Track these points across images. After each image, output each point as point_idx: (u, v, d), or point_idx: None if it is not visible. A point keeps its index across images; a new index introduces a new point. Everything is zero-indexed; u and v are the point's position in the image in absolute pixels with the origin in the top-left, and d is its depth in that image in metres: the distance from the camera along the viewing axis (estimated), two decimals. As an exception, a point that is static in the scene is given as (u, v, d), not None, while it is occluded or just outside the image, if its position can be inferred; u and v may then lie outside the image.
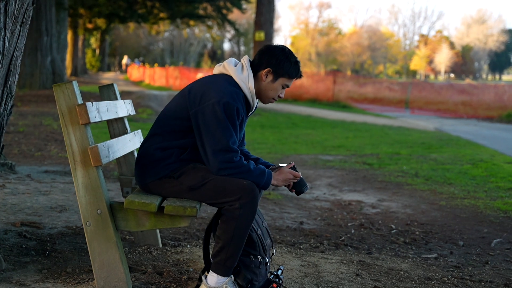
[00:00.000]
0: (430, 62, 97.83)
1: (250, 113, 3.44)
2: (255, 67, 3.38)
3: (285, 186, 3.40)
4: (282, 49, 3.40)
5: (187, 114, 3.24)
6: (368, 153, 10.80)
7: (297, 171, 3.40)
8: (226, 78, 3.32)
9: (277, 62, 3.35)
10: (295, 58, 3.40)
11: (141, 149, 3.39)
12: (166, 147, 3.28)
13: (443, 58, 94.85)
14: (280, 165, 3.46)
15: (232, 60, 3.41)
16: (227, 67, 3.37)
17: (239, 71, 3.34)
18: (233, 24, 31.73)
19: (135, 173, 3.41)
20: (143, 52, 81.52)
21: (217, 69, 3.43)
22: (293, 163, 3.45)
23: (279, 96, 3.42)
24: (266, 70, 3.35)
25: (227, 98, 3.16)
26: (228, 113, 3.16)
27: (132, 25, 50.91)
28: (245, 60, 3.39)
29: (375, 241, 5.10)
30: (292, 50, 3.40)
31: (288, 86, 3.41)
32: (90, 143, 3.17)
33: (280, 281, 3.48)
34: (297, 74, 3.40)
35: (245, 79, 3.31)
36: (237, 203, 3.14)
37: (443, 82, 46.58)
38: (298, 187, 3.40)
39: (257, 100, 3.47)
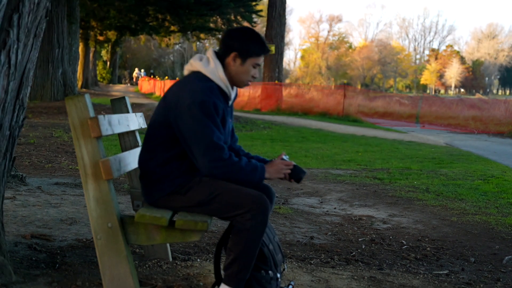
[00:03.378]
0: (441, 76, 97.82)
1: (230, 101, 3.40)
2: (222, 55, 3.34)
3: (281, 178, 3.34)
4: (242, 30, 3.38)
5: (169, 121, 3.22)
6: (379, 167, 10.76)
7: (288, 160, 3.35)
8: (196, 76, 3.29)
9: (240, 44, 3.30)
10: (258, 35, 3.35)
11: (140, 168, 3.37)
12: (163, 162, 3.26)
13: (454, 72, 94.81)
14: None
15: (197, 55, 3.39)
16: (193, 63, 3.35)
17: (205, 64, 3.31)
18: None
19: (141, 192, 3.39)
20: (154, 65, 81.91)
21: (186, 68, 3.39)
22: (284, 152, 3.41)
23: (253, 77, 3.36)
24: (232, 55, 3.30)
25: (201, 96, 3.13)
26: (205, 111, 3.12)
27: (143, 37, 51.17)
28: (210, 52, 3.36)
29: (386, 257, 5.06)
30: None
31: (259, 65, 3.35)
32: (102, 156, 3.17)
33: (291, 297, 3.46)
34: (263, 50, 3.34)
35: (213, 70, 3.28)
36: (248, 215, 3.13)
37: (454, 97, 46.44)
38: (295, 175, 3.34)
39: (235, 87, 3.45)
